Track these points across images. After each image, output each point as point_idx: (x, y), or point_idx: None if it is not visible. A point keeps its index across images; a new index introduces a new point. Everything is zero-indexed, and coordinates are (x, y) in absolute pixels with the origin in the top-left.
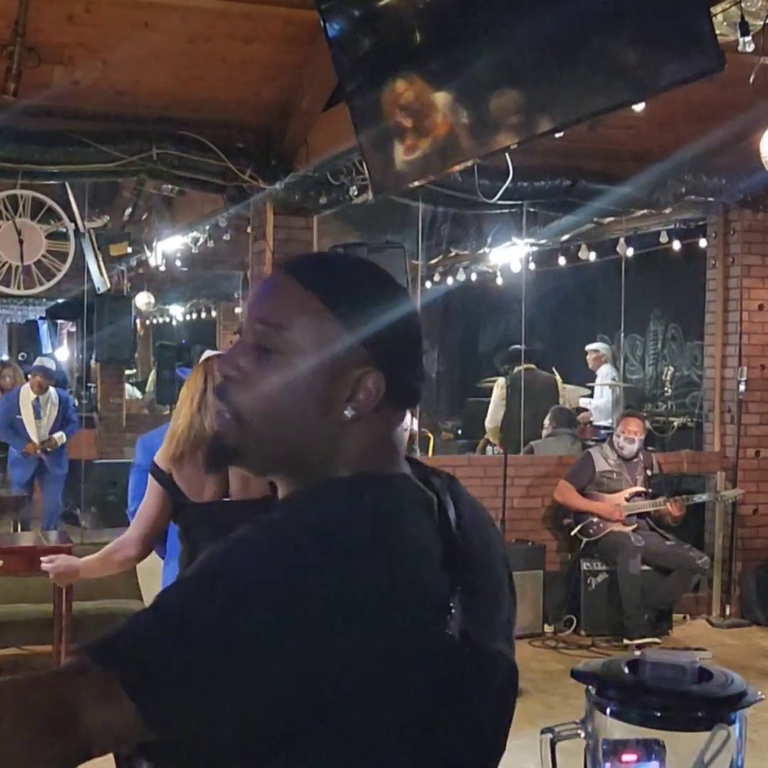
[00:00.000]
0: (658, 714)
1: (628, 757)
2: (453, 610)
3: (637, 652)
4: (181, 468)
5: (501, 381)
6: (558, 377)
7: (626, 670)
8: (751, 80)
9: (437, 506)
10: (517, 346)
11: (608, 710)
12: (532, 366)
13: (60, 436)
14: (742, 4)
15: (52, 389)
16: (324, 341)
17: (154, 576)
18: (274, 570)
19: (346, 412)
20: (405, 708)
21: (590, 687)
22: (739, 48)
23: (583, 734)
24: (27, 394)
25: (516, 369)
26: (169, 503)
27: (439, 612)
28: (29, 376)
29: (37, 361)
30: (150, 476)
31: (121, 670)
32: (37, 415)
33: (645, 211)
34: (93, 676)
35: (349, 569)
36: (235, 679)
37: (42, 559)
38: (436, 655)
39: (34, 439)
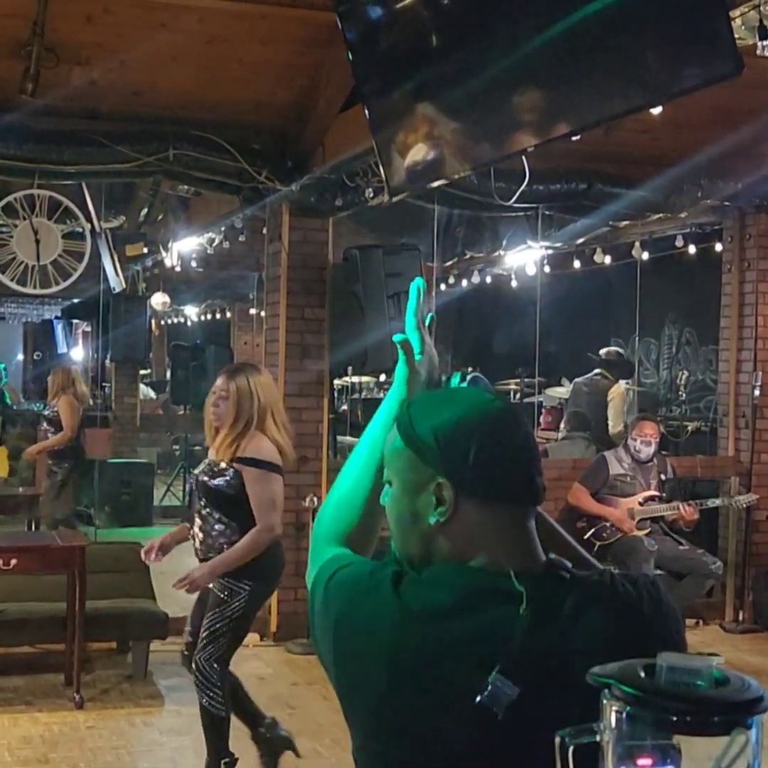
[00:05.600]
0: (674, 718)
1: (644, 761)
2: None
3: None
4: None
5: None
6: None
7: (642, 674)
8: None
9: (525, 599)
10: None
11: (624, 713)
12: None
13: None
14: (761, 8)
15: None
16: (407, 472)
17: (167, 576)
18: None
19: (430, 520)
20: None
21: (606, 690)
22: (757, 52)
23: (598, 737)
24: None
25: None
26: None
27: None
28: None
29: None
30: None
31: None
32: None
33: (661, 214)
34: None
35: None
36: None
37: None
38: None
39: None
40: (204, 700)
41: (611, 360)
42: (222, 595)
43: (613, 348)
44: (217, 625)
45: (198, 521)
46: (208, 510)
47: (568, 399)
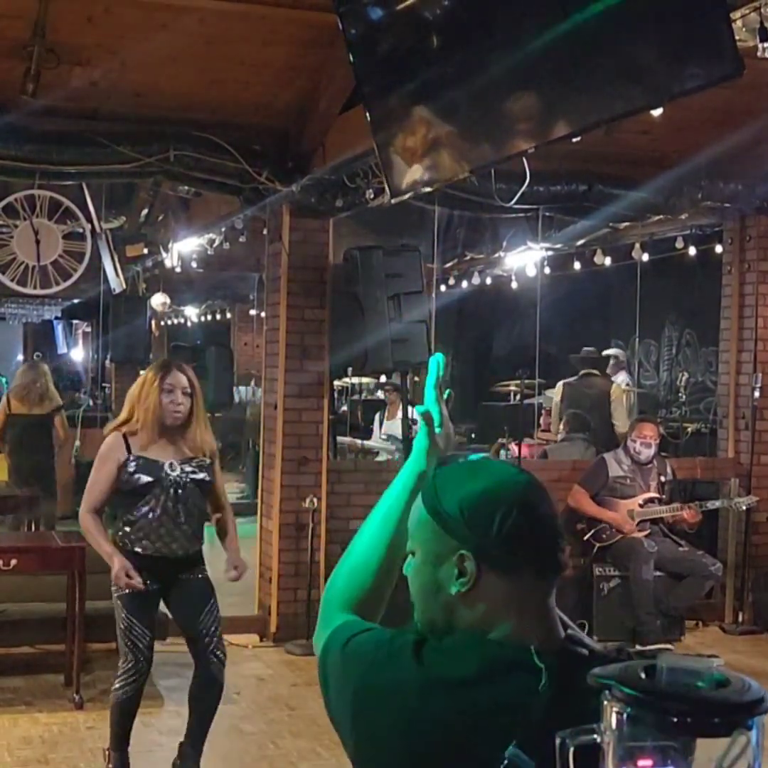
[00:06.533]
0: (675, 719)
1: (644, 762)
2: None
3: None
4: None
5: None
6: (615, 385)
7: (643, 675)
8: None
9: (545, 675)
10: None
11: (624, 715)
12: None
13: None
14: (762, 10)
15: None
16: (431, 543)
17: None
18: None
19: (452, 591)
20: None
21: (607, 691)
22: (758, 53)
23: (598, 738)
24: None
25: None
26: None
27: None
28: None
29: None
30: None
31: None
32: None
33: (661, 216)
34: None
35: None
36: None
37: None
38: None
39: None
40: (222, 680)
41: (597, 358)
42: (210, 582)
43: (589, 347)
44: (217, 610)
45: (183, 517)
46: (195, 504)
47: (561, 401)
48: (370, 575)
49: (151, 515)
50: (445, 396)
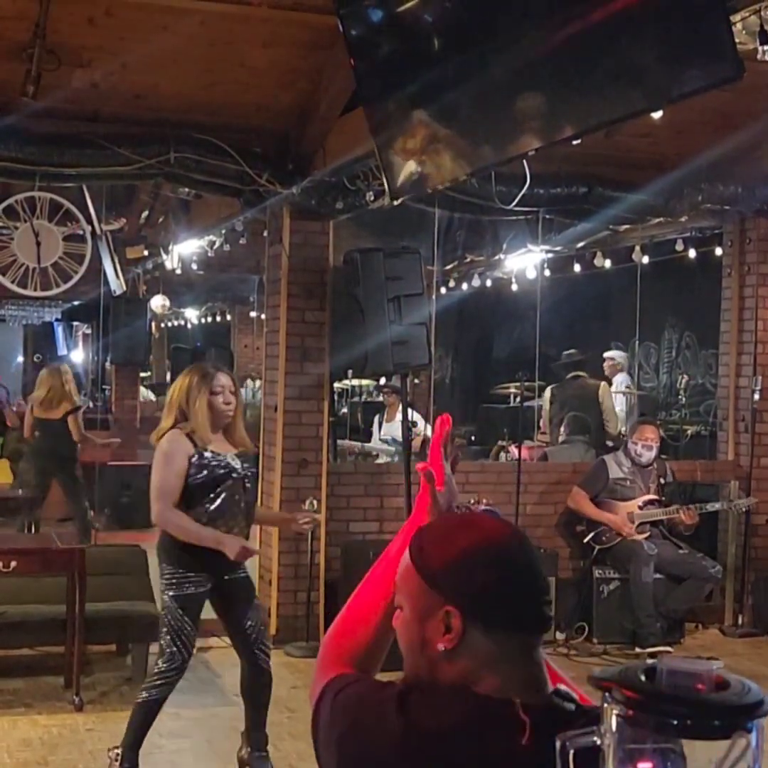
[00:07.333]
0: (675, 722)
1: (644, 764)
2: None
3: (651, 660)
4: None
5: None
6: (602, 385)
7: (643, 677)
8: None
9: (529, 729)
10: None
11: (624, 717)
12: (582, 373)
13: None
14: (762, 13)
15: None
16: (417, 598)
17: None
18: None
19: (439, 647)
20: None
21: (607, 693)
22: (758, 56)
23: (598, 741)
24: None
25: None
26: None
27: None
28: None
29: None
30: None
31: None
32: None
33: (661, 218)
34: None
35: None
36: None
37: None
38: None
39: None
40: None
41: (580, 360)
42: (251, 580)
43: (570, 350)
44: (260, 606)
45: (244, 510)
46: (252, 497)
47: (552, 405)
48: (370, 631)
49: (219, 508)
50: (448, 450)
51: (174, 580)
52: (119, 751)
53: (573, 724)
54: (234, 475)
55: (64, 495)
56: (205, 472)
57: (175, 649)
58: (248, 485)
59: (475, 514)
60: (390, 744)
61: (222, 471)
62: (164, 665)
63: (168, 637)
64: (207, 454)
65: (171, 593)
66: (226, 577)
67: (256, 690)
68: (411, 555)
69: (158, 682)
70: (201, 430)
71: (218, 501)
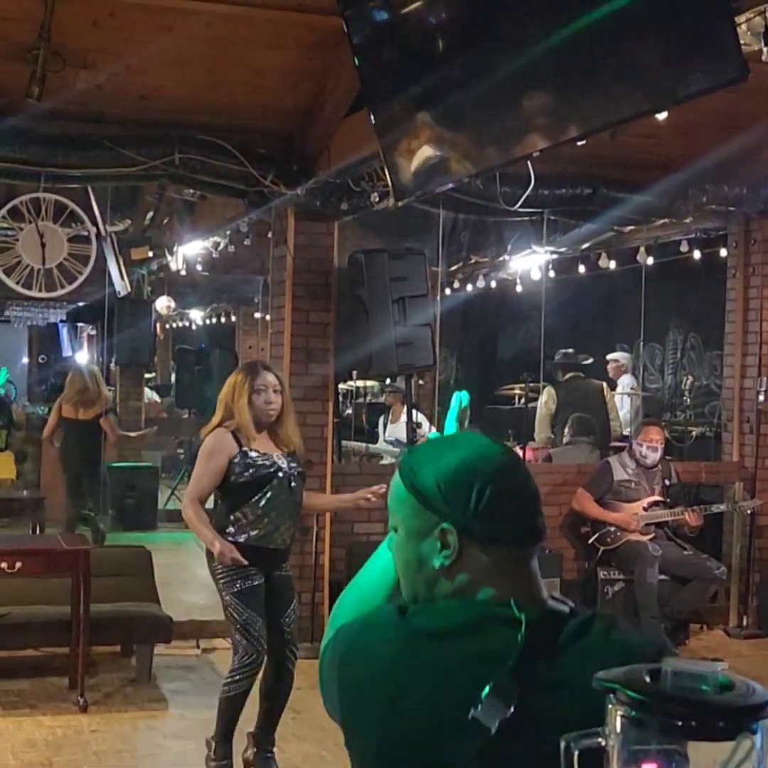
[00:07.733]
0: (679, 723)
1: (649, 765)
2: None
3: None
4: None
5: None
6: (605, 385)
7: (647, 679)
8: None
9: (524, 625)
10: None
11: (629, 718)
12: (580, 374)
13: None
14: (767, 14)
15: None
16: (411, 519)
17: (171, 582)
18: None
19: (435, 564)
20: None
21: (611, 695)
22: (763, 57)
23: (603, 742)
24: None
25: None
26: None
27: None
28: None
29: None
30: None
31: None
32: None
33: (666, 219)
34: None
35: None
36: None
37: None
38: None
39: None
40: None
41: (577, 362)
42: (293, 580)
43: (566, 349)
44: (296, 608)
45: (291, 509)
46: (299, 496)
47: (556, 406)
48: (380, 598)
49: (265, 506)
50: (464, 404)
51: (229, 578)
52: (213, 742)
53: (566, 623)
54: (280, 474)
55: (84, 496)
56: (250, 470)
57: (246, 642)
58: (294, 484)
59: (463, 433)
60: (392, 645)
61: (267, 470)
62: (239, 661)
63: (238, 634)
64: (252, 454)
65: (231, 591)
66: (274, 572)
67: (277, 691)
68: (402, 477)
69: (238, 677)
70: (245, 428)
71: (265, 499)
